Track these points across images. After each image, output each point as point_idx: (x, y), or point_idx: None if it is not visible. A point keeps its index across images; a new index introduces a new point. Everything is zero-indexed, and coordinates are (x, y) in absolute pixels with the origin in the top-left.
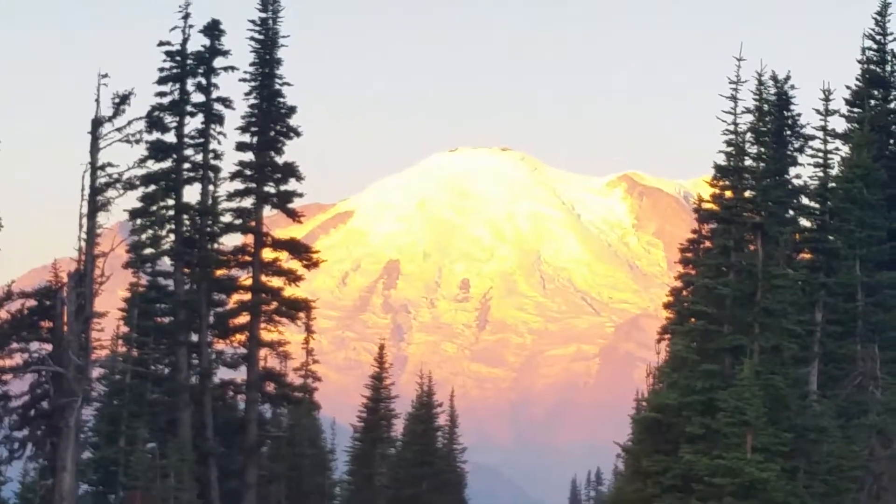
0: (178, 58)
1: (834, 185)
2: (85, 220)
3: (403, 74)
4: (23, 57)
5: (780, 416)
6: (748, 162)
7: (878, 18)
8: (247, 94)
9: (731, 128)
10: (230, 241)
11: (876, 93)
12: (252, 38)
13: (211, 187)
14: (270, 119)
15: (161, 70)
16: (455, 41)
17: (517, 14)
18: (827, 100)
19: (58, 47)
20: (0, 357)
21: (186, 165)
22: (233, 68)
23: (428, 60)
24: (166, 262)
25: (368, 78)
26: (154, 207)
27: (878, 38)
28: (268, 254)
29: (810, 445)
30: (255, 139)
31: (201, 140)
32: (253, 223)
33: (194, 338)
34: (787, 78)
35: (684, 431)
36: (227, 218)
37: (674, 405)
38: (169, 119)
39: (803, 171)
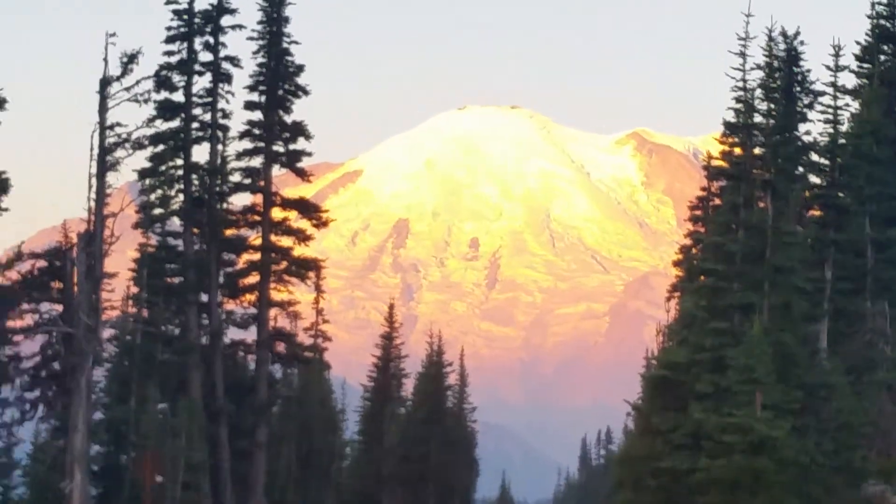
0: (185, 16)
1: (844, 141)
2: (94, 181)
3: (411, 33)
4: (31, 15)
5: (789, 374)
6: (758, 119)
7: None
8: (255, 52)
9: (741, 84)
10: (239, 200)
11: (886, 48)
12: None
13: (220, 147)
14: (279, 78)
15: (168, 29)
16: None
17: None
18: (837, 55)
19: (66, 5)
20: (11, 318)
21: (195, 125)
22: (240, 27)
23: (435, 19)
24: (176, 223)
25: (376, 36)
26: (163, 167)
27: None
28: (277, 213)
29: (820, 403)
30: (263, 98)
31: (209, 99)
32: (262, 182)
33: (204, 298)
34: (797, 34)
35: (694, 389)
36: (236, 177)
37: (683, 363)
38: (177, 78)
39: (813, 128)
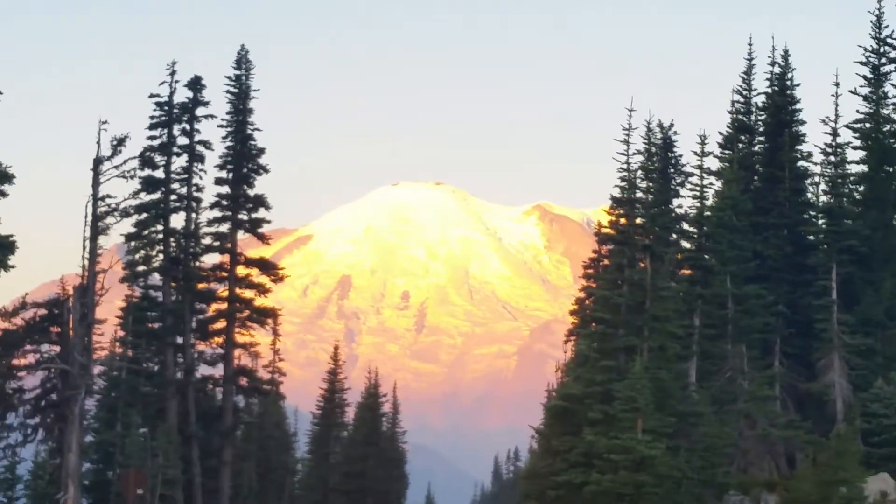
0: (166, 107)
1: (709, 213)
2: (88, 243)
3: (354, 120)
4: (35, 102)
5: (665, 404)
6: (639, 194)
7: (745, 77)
8: (224, 137)
9: (625, 166)
10: (210, 259)
11: (743, 138)
12: (228, 92)
13: (193, 215)
14: (243, 158)
15: (152, 118)
16: (394, 91)
17: (446, 69)
18: (703, 143)
19: (65, 92)
20: (16, 357)
21: (173, 197)
22: (212, 116)
23: (376, 109)
24: (156, 278)
25: (326, 123)
26: (146, 232)
27: (744, 93)
28: (241, 270)
29: (690, 428)
30: (230, 175)
31: (185, 176)
32: (229, 245)
33: (179, 340)
34: (671, 125)
35: (587, 416)
36: (207, 240)
37: (578, 395)
38: (158, 158)
39: (684, 202)
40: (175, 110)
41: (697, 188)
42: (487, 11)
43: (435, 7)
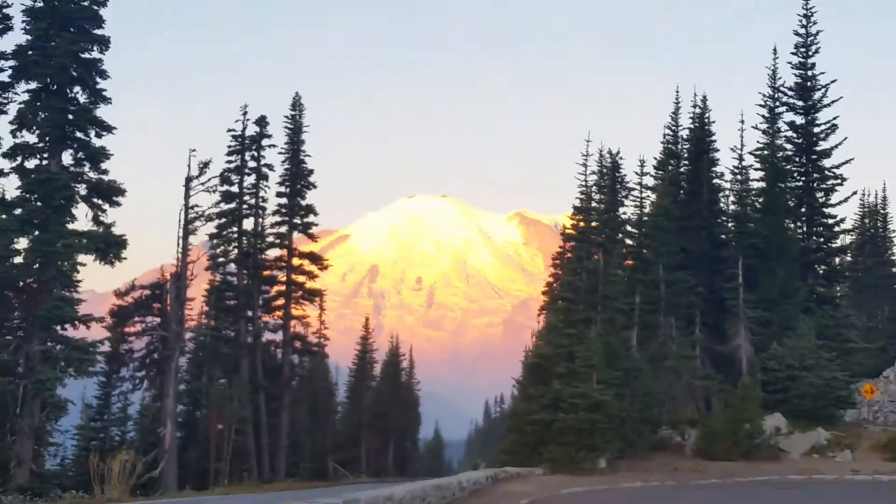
0: (239, 139)
1: (646, 218)
2: (181, 240)
3: (382, 146)
4: (141, 132)
5: (613, 361)
6: (594, 204)
7: (674, 116)
8: (283, 161)
9: (584, 183)
10: (272, 253)
11: (672, 162)
12: (286, 127)
13: (260, 220)
14: (297, 177)
15: (229, 146)
16: (411, 125)
17: (450, 106)
18: (642, 166)
19: (163, 127)
20: (127, 326)
21: (245, 206)
22: (274, 145)
23: (398, 137)
24: (232, 267)
25: (362, 147)
26: (224, 232)
27: (673, 128)
28: (296, 261)
29: (632, 380)
30: (287, 190)
31: (254, 190)
32: (286, 242)
33: (249, 313)
34: (618, 152)
35: (554, 371)
36: (270, 239)
37: (548, 354)
38: (234, 177)
39: (628, 210)
40: (246, 141)
41: (638, 199)
42: (486, 74)
43: (441, 59)
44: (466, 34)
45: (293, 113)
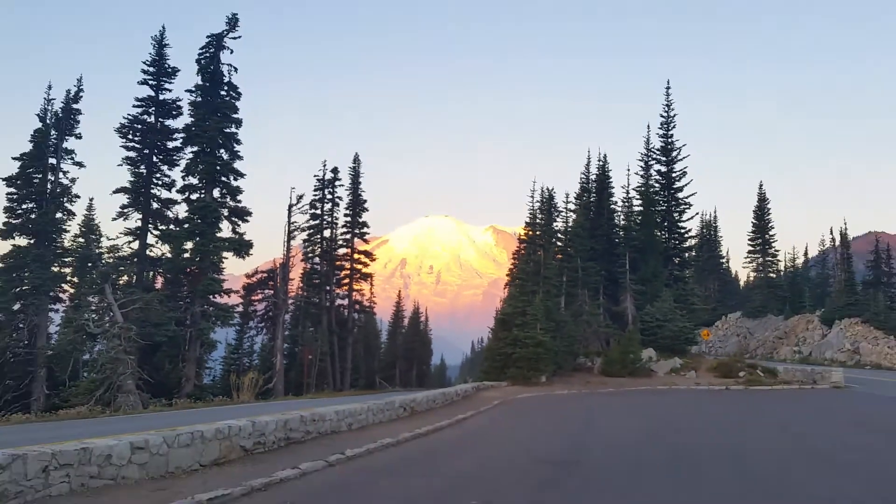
0: (321, 182)
1: (570, 229)
2: (286, 244)
3: (412, 178)
4: (260, 173)
5: (550, 317)
6: (538, 221)
7: (587, 165)
8: (348, 194)
9: (532, 208)
10: (341, 251)
11: (585, 195)
12: (350, 174)
13: (334, 231)
14: (357, 205)
15: (315, 186)
16: (427, 163)
17: (446, 132)
18: (567, 197)
19: (268, 177)
20: (253, 295)
21: (325, 222)
22: (342, 185)
23: (421, 173)
24: (317, 259)
25: (398, 179)
26: (312, 238)
27: (585, 174)
28: (356, 256)
29: (561, 328)
30: (351, 212)
31: (330, 212)
32: (350, 245)
33: (328, 288)
34: (552, 188)
35: (514, 322)
36: (340, 242)
37: (510, 312)
38: (318, 204)
39: (560, 224)
40: (325, 182)
41: (564, 218)
42: (476, 129)
43: (446, 100)
44: (465, 105)
45: (353, 165)
